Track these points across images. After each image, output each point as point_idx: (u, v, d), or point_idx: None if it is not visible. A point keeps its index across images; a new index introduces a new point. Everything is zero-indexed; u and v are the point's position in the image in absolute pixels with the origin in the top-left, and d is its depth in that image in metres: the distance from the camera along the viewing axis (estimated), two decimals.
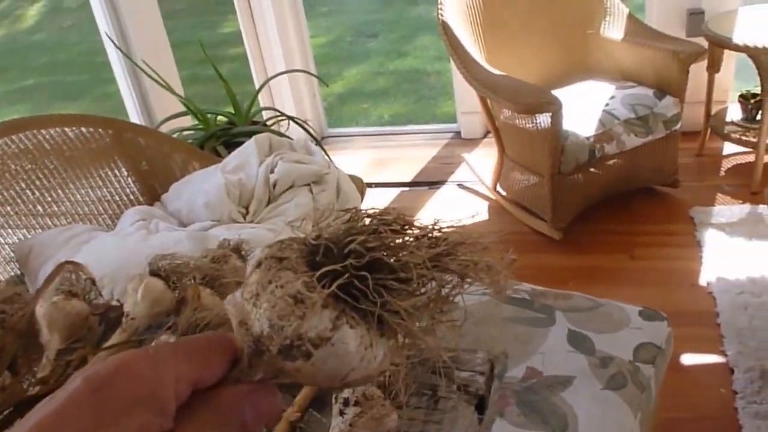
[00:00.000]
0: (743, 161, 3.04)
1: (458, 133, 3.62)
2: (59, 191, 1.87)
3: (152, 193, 1.96)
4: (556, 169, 2.47)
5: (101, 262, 1.34)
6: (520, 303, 1.63)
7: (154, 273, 0.73)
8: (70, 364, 0.70)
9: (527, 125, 2.49)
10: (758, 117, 2.84)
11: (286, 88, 3.59)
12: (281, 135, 2.06)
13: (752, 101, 2.92)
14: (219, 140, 2.33)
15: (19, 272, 1.67)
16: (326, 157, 1.89)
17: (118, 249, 1.46)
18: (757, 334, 2.08)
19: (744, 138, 2.89)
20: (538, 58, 2.92)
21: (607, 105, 2.63)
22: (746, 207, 2.71)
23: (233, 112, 2.51)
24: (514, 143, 2.74)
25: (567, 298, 1.64)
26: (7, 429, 0.67)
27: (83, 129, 1.92)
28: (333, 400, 0.57)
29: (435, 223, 0.43)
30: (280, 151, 1.77)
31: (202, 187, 1.73)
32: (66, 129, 1.90)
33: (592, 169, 2.58)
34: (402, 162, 3.48)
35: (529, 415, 1.32)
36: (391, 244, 0.39)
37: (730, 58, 3.04)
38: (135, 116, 2.71)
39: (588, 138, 2.49)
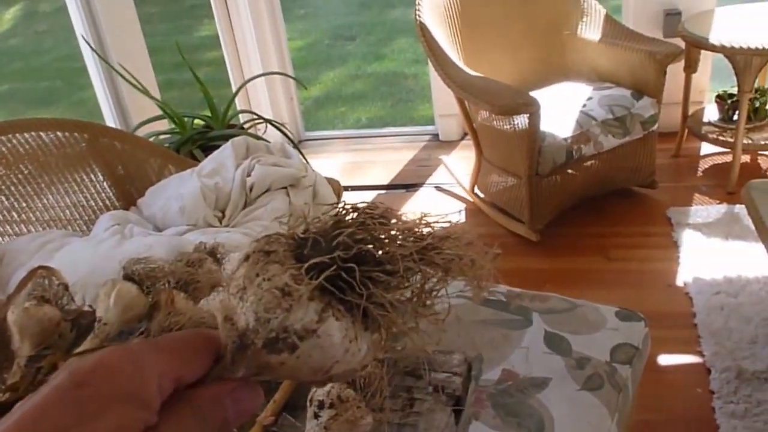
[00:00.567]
0: (720, 161, 3.08)
1: (436, 135, 3.63)
2: (34, 197, 1.84)
3: (128, 198, 1.95)
4: (533, 170, 2.49)
5: (74, 268, 1.32)
6: (497, 305, 1.63)
7: (128, 277, 0.72)
8: (40, 371, 0.70)
9: (504, 127, 2.50)
10: (735, 117, 2.86)
11: (263, 92, 3.58)
12: (258, 138, 2.05)
13: (729, 102, 2.95)
14: (195, 144, 2.32)
15: None
16: (303, 160, 1.88)
17: (92, 254, 1.44)
18: (733, 334, 2.10)
19: (721, 138, 2.91)
20: (516, 59, 2.94)
21: (584, 106, 2.64)
22: (723, 207, 2.74)
23: (210, 115, 2.49)
24: (491, 145, 2.75)
25: (543, 299, 1.64)
26: None
27: (58, 133, 1.90)
28: (308, 403, 0.57)
29: (421, 218, 0.43)
30: (257, 154, 1.76)
31: (177, 192, 1.72)
32: (41, 133, 1.88)
33: (569, 171, 2.59)
34: (379, 165, 3.48)
35: (504, 417, 1.32)
36: (379, 236, 0.39)
37: (706, 58, 3.07)
38: (111, 120, 2.68)
39: (565, 139, 2.50)
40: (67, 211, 1.86)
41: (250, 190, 1.67)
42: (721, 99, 3.00)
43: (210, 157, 1.81)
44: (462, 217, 2.96)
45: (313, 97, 4.97)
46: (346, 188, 3.24)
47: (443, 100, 3.33)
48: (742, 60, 2.65)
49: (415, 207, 3.07)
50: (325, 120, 4.62)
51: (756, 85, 2.87)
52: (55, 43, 6.47)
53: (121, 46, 2.62)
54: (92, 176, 1.94)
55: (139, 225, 1.69)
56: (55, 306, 0.75)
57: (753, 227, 1.97)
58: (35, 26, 7.14)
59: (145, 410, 0.33)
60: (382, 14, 6.50)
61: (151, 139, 2.35)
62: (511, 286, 1.72)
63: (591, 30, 2.88)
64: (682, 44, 2.76)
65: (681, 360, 2.07)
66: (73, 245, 1.56)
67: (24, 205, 1.79)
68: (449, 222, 0.44)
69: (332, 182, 1.84)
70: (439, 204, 3.06)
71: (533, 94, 2.48)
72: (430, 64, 2.75)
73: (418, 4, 2.69)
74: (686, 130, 3.08)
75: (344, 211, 0.40)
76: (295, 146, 2.57)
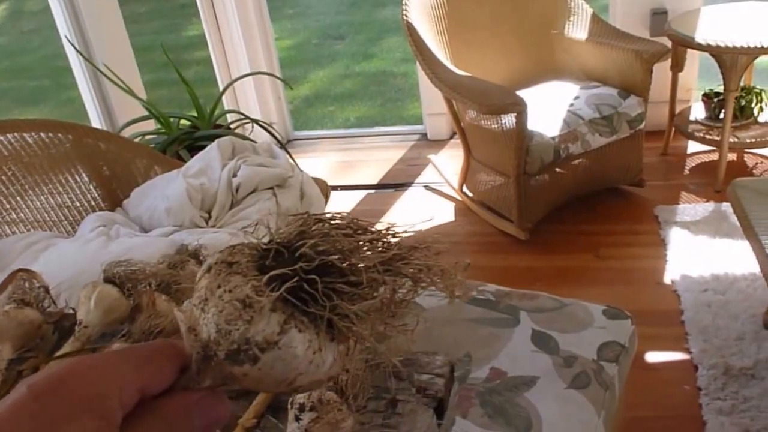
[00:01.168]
0: (707, 159, 3.09)
1: (424, 134, 3.63)
2: (18, 198, 1.83)
3: (114, 199, 1.93)
4: (521, 169, 2.49)
5: (60, 270, 1.31)
6: (485, 304, 1.63)
7: (109, 280, 0.72)
8: (21, 373, 0.69)
9: (492, 126, 2.50)
10: (721, 116, 2.87)
11: (251, 92, 3.57)
12: (245, 138, 2.04)
13: (715, 100, 2.96)
14: (182, 144, 2.31)
15: None
16: (290, 160, 1.88)
17: (77, 256, 1.43)
18: (720, 331, 2.11)
19: (708, 137, 2.92)
20: (503, 58, 2.94)
21: (571, 105, 2.65)
22: (710, 205, 2.75)
23: (196, 115, 2.48)
24: (479, 144, 2.76)
25: (532, 298, 1.64)
26: None
27: (42, 134, 1.88)
28: (288, 406, 0.56)
29: (389, 228, 0.43)
30: (243, 154, 1.75)
31: (163, 192, 1.71)
32: (24, 134, 1.86)
33: (557, 170, 2.60)
34: (368, 164, 3.47)
35: (492, 416, 1.32)
36: (342, 247, 0.38)
37: (693, 57, 3.08)
38: (97, 121, 2.67)
39: (553, 138, 2.50)
40: (53, 212, 1.85)
41: (237, 190, 1.67)
42: (707, 97, 3.01)
43: (196, 157, 1.80)
44: (449, 218, 2.95)
45: (302, 97, 4.96)
46: (335, 188, 3.24)
47: (432, 99, 3.33)
48: (728, 59, 2.66)
49: (405, 206, 3.07)
50: (315, 119, 4.61)
51: (742, 84, 2.89)
52: (42, 42, 6.43)
53: (105, 47, 2.61)
54: (77, 177, 1.93)
55: (125, 226, 1.68)
56: (36, 309, 0.75)
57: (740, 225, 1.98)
58: (21, 25, 7.10)
59: (106, 422, 0.32)
60: (371, 13, 6.49)
61: (137, 140, 2.34)
62: (500, 285, 1.72)
63: (578, 29, 2.89)
64: (669, 43, 2.78)
65: (669, 357, 2.08)
66: (58, 246, 1.55)
67: (8, 206, 1.78)
68: (419, 231, 0.44)
69: (319, 182, 1.84)
70: (428, 203, 3.06)
71: (521, 93, 2.48)
72: (418, 63, 2.75)
73: (405, 3, 2.69)
74: (673, 129, 3.09)
75: (309, 222, 0.39)
76: (283, 146, 2.56)
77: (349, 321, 0.37)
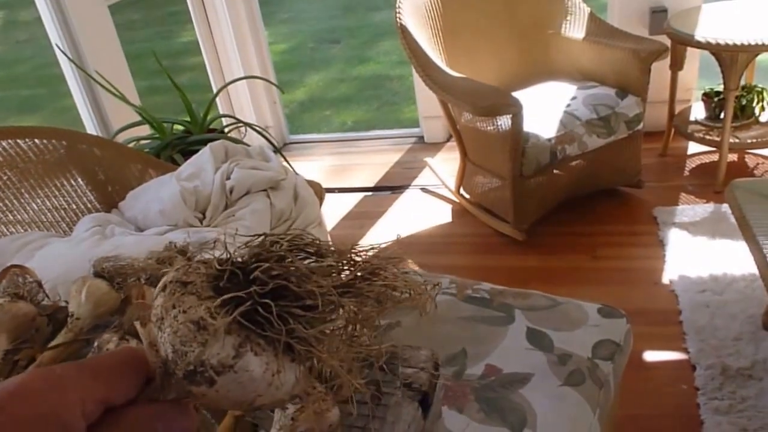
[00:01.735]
0: (707, 160, 3.08)
1: (421, 137, 3.63)
2: (14, 201, 1.83)
3: (109, 202, 1.94)
4: (517, 171, 2.49)
5: (54, 266, 1.32)
6: (480, 302, 1.63)
7: (99, 275, 0.72)
8: (17, 363, 0.69)
9: (488, 128, 2.50)
10: (722, 116, 2.84)
11: (245, 97, 3.57)
12: (238, 142, 2.04)
13: (716, 99, 2.93)
14: (175, 149, 2.31)
15: None
16: (283, 163, 1.88)
17: (72, 253, 1.43)
18: (718, 331, 2.11)
19: (708, 137, 2.90)
20: (499, 60, 2.94)
21: (568, 106, 2.64)
22: (710, 206, 2.74)
23: (189, 120, 2.49)
24: (475, 146, 2.76)
25: (526, 296, 1.65)
26: None
27: (36, 141, 1.89)
28: None
29: (352, 248, 0.43)
30: (236, 157, 1.76)
31: (157, 195, 1.71)
32: (19, 141, 1.87)
33: (554, 171, 2.60)
34: (365, 167, 3.48)
35: (488, 411, 1.32)
36: (297, 271, 0.38)
37: (693, 56, 3.06)
38: (91, 128, 2.67)
39: (549, 139, 2.50)
40: (49, 214, 1.85)
41: (230, 192, 1.67)
42: (707, 97, 2.98)
43: (188, 161, 1.80)
44: (446, 219, 2.96)
45: (298, 101, 4.97)
46: (332, 190, 3.25)
47: (428, 102, 3.33)
48: (728, 57, 2.63)
49: (401, 209, 3.08)
50: (311, 123, 4.62)
51: (743, 83, 2.87)
52: (36, 52, 6.44)
53: (97, 54, 2.61)
54: (72, 181, 1.93)
55: (121, 226, 1.68)
56: (30, 302, 0.75)
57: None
58: (15, 35, 7.11)
59: None
60: (366, 17, 6.51)
61: (131, 145, 2.34)
62: (496, 284, 1.72)
63: (575, 29, 2.88)
64: (669, 42, 2.76)
65: (666, 357, 2.08)
66: (53, 245, 1.56)
67: (4, 208, 1.78)
68: (387, 249, 0.44)
69: (313, 184, 1.84)
70: (425, 205, 3.07)
71: (517, 94, 2.48)
72: (412, 66, 2.75)
73: (399, 6, 2.70)
74: (673, 129, 3.07)
75: (266, 244, 0.39)
76: (277, 149, 2.56)
77: (308, 344, 0.37)
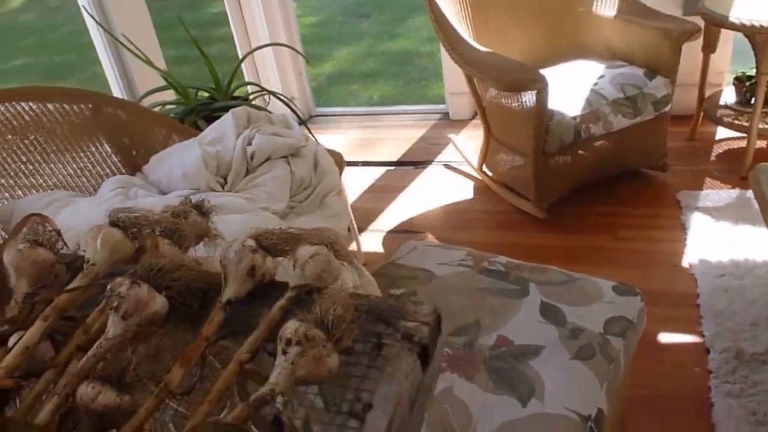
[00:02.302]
0: (735, 146, 3.03)
1: (446, 114, 3.63)
2: (42, 163, 1.87)
3: (133, 166, 1.97)
4: (540, 148, 2.48)
5: (77, 222, 1.35)
6: (495, 275, 1.64)
7: (114, 224, 0.75)
8: (35, 305, 0.72)
9: (512, 104, 2.49)
10: (752, 101, 2.78)
11: (272, 68, 3.59)
12: (262, 110, 2.06)
13: (747, 84, 2.87)
14: (199, 115, 2.34)
15: (4, 235, 1.68)
16: (305, 131, 1.89)
17: (95, 212, 1.47)
18: (735, 316, 2.10)
19: (736, 122, 2.84)
20: (527, 37, 2.91)
21: (595, 84, 2.61)
22: (734, 192, 2.71)
23: (214, 87, 2.51)
24: (499, 123, 2.75)
25: (542, 271, 1.66)
26: None
27: (65, 105, 1.92)
28: (277, 341, 0.59)
29: None
30: (258, 124, 1.78)
31: (180, 159, 1.74)
32: (48, 104, 1.90)
33: (578, 150, 2.58)
34: (389, 142, 3.49)
35: (497, 381, 1.34)
36: None
37: (727, 38, 2.98)
38: (118, 91, 2.71)
39: (574, 118, 2.48)
40: (75, 177, 1.89)
41: (251, 158, 1.69)
42: (739, 81, 2.92)
43: (211, 126, 1.83)
44: (468, 196, 2.96)
45: (326, 74, 4.98)
46: (355, 164, 3.26)
47: (455, 78, 3.32)
48: (762, 39, 2.56)
49: (423, 184, 3.08)
50: (338, 97, 4.62)
51: None
52: (67, 19, 6.50)
53: (124, 18, 2.63)
54: (98, 144, 1.96)
55: (144, 189, 1.71)
56: (49, 250, 0.78)
57: None
58: (47, 2, 7.18)
59: None
60: None
61: (156, 109, 2.37)
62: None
63: (606, 6, 2.84)
64: (702, 23, 2.69)
65: (681, 339, 2.08)
66: (77, 204, 1.59)
67: (31, 168, 1.82)
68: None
69: (334, 153, 1.85)
70: (447, 182, 3.07)
71: (544, 71, 2.46)
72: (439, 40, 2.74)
73: None
74: (702, 113, 3.02)
75: None
76: (300, 119, 2.58)
77: None
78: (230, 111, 1.80)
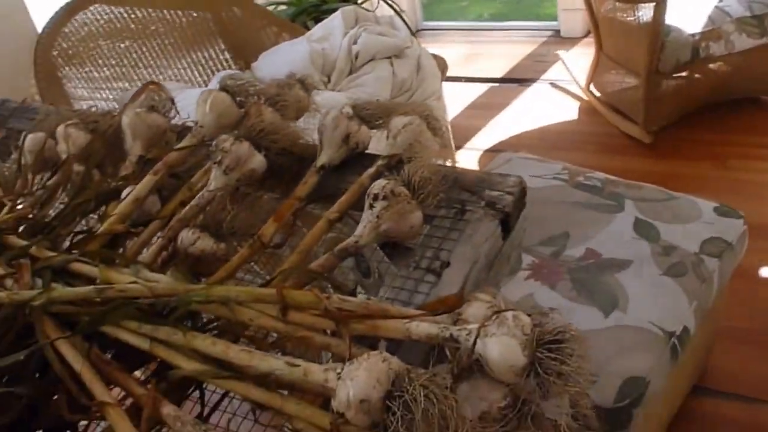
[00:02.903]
0: None
1: (557, 31, 3.51)
2: (158, 56, 1.96)
3: (244, 63, 2.04)
4: (653, 67, 2.37)
5: (188, 109, 1.43)
6: (590, 189, 1.62)
7: (223, 89, 0.79)
8: (147, 162, 0.79)
9: (627, 18, 2.39)
10: None
11: None
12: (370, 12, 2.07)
13: None
14: (310, 15, 2.38)
15: None
16: (409, 33, 1.89)
17: None
18: None
19: None
20: None
21: (720, 1, 2.45)
22: None
23: None
24: (612, 38, 2.64)
25: (639, 188, 1.62)
26: (88, 214, 0.77)
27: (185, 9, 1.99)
28: (366, 197, 0.62)
29: None
30: (365, 23, 1.79)
31: (287, 56, 1.78)
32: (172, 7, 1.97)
33: (695, 74, 2.46)
34: (495, 57, 3.42)
35: (580, 290, 1.34)
36: None
37: None
38: None
39: (693, 35, 2.35)
40: (189, 71, 1.98)
41: (356, 57, 1.71)
42: None
43: (320, 23, 1.86)
44: (573, 116, 2.88)
45: None
46: (458, 79, 3.23)
47: None
48: None
49: (527, 102, 3.03)
50: (447, 12, 4.53)
51: None
52: None
53: None
54: (212, 41, 2.04)
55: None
56: (163, 116, 0.84)
57: None
58: None
59: None
60: None
61: (270, 9, 2.43)
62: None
63: None
64: None
65: None
66: (188, 93, 1.67)
67: (150, 61, 1.92)
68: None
69: (437, 58, 1.85)
70: (552, 100, 3.00)
71: None
72: None
73: None
74: None
75: None
76: (409, 28, 2.57)
77: None
78: (339, 9, 1.82)
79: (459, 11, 4.54)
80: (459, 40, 3.70)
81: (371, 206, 0.60)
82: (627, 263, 1.39)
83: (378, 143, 0.73)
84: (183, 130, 0.86)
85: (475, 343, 0.47)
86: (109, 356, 0.59)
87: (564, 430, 0.48)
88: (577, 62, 3.13)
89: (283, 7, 2.51)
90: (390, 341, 0.54)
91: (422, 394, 0.43)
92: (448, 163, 0.69)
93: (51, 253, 0.67)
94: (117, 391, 0.56)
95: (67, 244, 0.74)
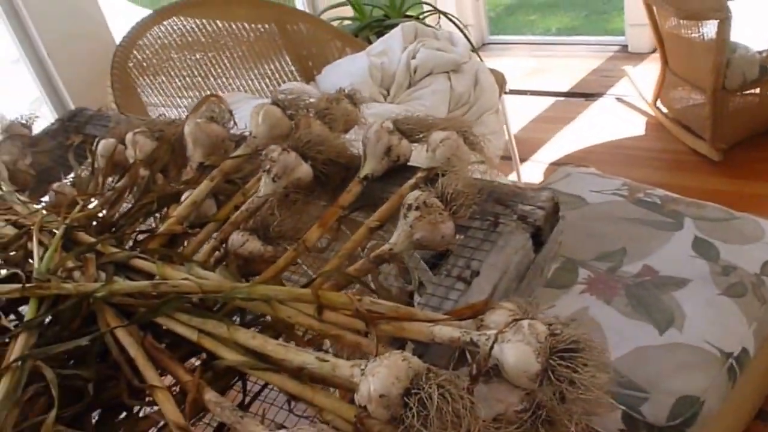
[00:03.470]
0: None
1: (625, 46, 3.47)
2: (228, 67, 2.05)
3: (308, 75, 2.11)
4: (719, 84, 2.33)
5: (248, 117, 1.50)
6: (650, 206, 1.61)
7: (275, 103, 0.84)
8: (206, 169, 0.84)
9: (692, 35, 2.35)
10: None
11: None
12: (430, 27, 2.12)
13: None
14: (372, 31, 2.44)
15: None
16: (468, 47, 1.92)
17: None
18: None
19: None
20: None
21: None
22: None
23: (388, 5, 2.60)
24: (677, 56, 2.60)
25: (700, 207, 1.60)
26: (151, 215, 0.83)
27: (259, 25, 2.07)
28: (401, 207, 0.66)
29: None
30: (424, 38, 1.83)
31: (348, 69, 1.84)
32: (245, 23, 2.06)
33: (766, 92, 2.39)
34: (560, 72, 3.40)
35: (636, 307, 1.33)
36: None
37: None
38: (301, 5, 2.87)
39: (760, 52, 2.29)
40: (255, 82, 2.06)
41: (414, 71, 1.75)
42: None
43: (381, 39, 1.91)
44: (639, 132, 2.85)
45: (505, 5, 4.89)
46: (524, 92, 3.23)
47: (636, 8, 3.15)
48: None
49: (592, 116, 3.00)
50: (514, 26, 4.54)
51: None
52: None
53: None
54: (279, 54, 2.12)
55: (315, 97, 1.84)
56: (222, 126, 0.89)
57: None
58: None
59: None
60: None
61: (334, 24, 2.50)
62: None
63: None
64: None
65: None
66: (254, 103, 1.75)
67: (219, 72, 2.01)
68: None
69: (495, 73, 1.87)
70: (618, 116, 2.97)
71: (731, 2, 2.29)
72: None
73: None
74: None
75: None
76: (473, 48, 2.60)
77: None
78: (400, 24, 1.87)
79: (528, 24, 4.53)
80: (525, 54, 3.70)
81: (405, 216, 0.64)
82: (684, 281, 1.38)
83: (419, 156, 0.77)
84: (241, 139, 0.91)
85: (492, 347, 0.50)
86: (163, 345, 0.64)
87: None
88: (644, 78, 3.09)
89: (348, 22, 2.59)
90: (419, 343, 0.58)
91: (437, 392, 0.46)
92: (489, 176, 0.71)
93: (115, 250, 0.73)
94: (169, 379, 0.61)
95: (131, 242, 0.80)
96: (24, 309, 0.67)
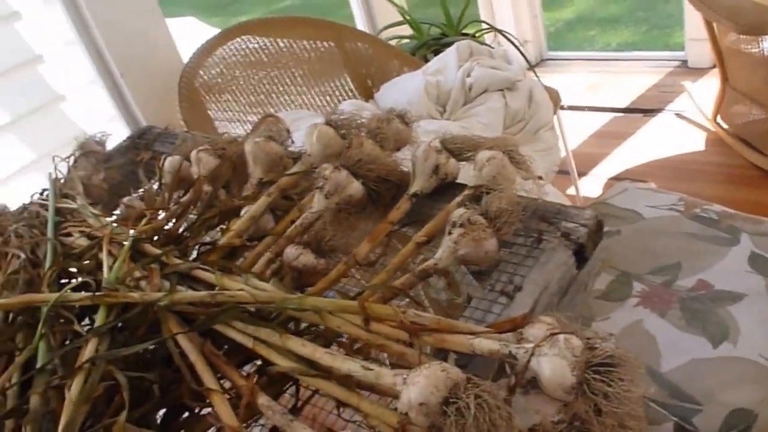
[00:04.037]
0: None
1: (684, 62, 3.41)
2: (290, 84, 2.12)
3: (367, 93, 2.17)
4: None
5: None
6: (706, 221, 1.59)
7: (328, 123, 0.89)
8: (265, 185, 0.89)
9: (752, 50, 2.31)
10: None
11: (506, 10, 3.61)
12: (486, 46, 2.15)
13: None
14: (429, 49, 2.48)
15: None
16: (524, 65, 1.94)
17: None
18: None
19: None
20: None
21: None
22: None
23: (446, 23, 2.63)
24: (737, 70, 2.55)
25: (758, 222, 1.57)
26: (213, 228, 0.88)
27: (315, 42, 2.14)
28: (446, 225, 0.69)
29: None
30: (479, 57, 1.86)
31: (405, 87, 1.88)
32: (305, 42, 2.13)
33: None
34: (619, 87, 3.37)
35: (690, 320, 1.32)
36: None
37: None
38: (361, 25, 2.94)
39: None
40: (317, 98, 2.13)
41: (470, 89, 1.78)
42: None
43: (436, 57, 1.95)
44: (699, 148, 2.80)
45: (564, 20, 4.86)
46: (582, 108, 3.22)
47: (696, 23, 3.10)
48: None
49: (651, 132, 2.97)
50: (574, 42, 4.51)
51: None
52: None
53: None
54: (339, 73, 2.18)
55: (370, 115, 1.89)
56: (280, 144, 0.94)
57: None
58: None
59: None
60: None
61: (392, 42, 2.55)
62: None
63: None
64: None
65: None
66: (315, 119, 1.81)
67: (282, 89, 2.08)
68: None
69: (549, 90, 1.88)
70: (677, 131, 2.93)
71: None
72: None
73: None
74: None
75: None
76: (530, 66, 2.61)
77: None
78: (455, 44, 1.90)
79: (587, 40, 4.50)
80: (583, 70, 3.68)
81: (450, 232, 0.67)
82: (740, 296, 1.36)
83: (467, 174, 0.79)
84: (300, 156, 0.96)
85: (529, 360, 0.52)
86: (221, 352, 0.68)
87: None
88: (704, 93, 3.04)
89: (406, 40, 2.63)
90: (462, 354, 0.60)
91: (475, 402, 0.49)
92: (535, 194, 0.74)
93: (178, 261, 0.78)
94: (227, 384, 0.65)
95: (194, 254, 0.85)
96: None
